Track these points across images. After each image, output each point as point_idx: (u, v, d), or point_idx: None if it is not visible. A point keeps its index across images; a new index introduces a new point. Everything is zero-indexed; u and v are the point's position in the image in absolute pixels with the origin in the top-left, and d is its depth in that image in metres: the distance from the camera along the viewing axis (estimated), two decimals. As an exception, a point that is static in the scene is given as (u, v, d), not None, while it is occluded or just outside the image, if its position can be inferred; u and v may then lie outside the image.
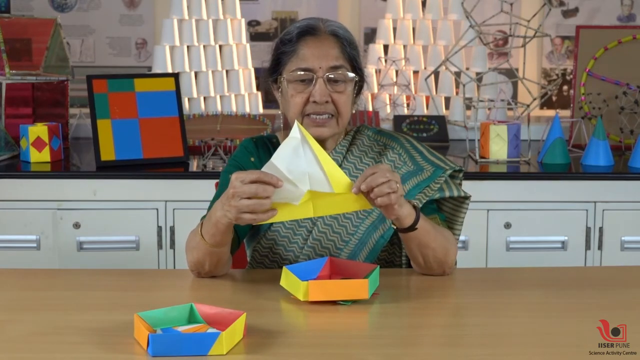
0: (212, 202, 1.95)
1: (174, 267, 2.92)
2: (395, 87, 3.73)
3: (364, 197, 1.70)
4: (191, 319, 1.57)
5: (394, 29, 3.82)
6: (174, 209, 2.93)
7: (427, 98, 3.77)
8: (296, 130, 1.68)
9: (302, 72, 1.90)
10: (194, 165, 3.08)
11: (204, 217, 1.92)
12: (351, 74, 1.92)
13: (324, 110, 1.91)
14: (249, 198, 1.64)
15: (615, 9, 3.92)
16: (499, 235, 2.96)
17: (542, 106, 3.89)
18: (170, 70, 3.50)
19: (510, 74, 3.69)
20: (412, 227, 1.79)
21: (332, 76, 1.90)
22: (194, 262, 1.85)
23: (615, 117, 3.38)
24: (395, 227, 1.81)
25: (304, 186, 1.67)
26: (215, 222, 1.74)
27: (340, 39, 1.93)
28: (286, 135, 2.06)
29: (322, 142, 1.98)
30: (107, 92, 3.09)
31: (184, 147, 3.10)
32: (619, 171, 3.05)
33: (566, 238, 2.97)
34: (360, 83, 1.99)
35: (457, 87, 3.71)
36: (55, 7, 3.87)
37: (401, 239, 1.87)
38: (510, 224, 2.96)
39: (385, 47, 3.83)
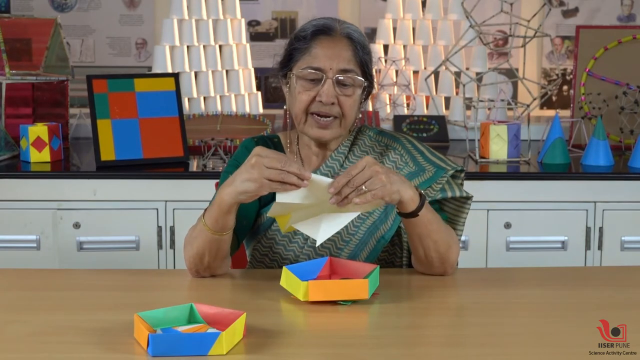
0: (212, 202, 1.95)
1: (174, 267, 2.92)
2: (395, 87, 3.73)
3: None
4: (191, 319, 1.57)
5: (394, 29, 3.82)
6: (174, 209, 2.93)
7: (427, 98, 3.77)
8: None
9: (312, 71, 1.90)
10: (194, 165, 3.08)
11: (201, 217, 1.92)
12: (360, 79, 1.92)
13: (329, 112, 1.91)
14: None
15: (615, 9, 3.92)
16: (499, 235, 2.96)
17: (542, 106, 3.89)
18: (170, 70, 3.50)
19: (510, 74, 3.69)
20: (415, 213, 1.78)
21: (341, 78, 1.90)
22: (192, 255, 1.84)
23: (615, 117, 3.38)
24: (398, 212, 1.81)
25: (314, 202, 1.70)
26: (220, 202, 1.74)
27: (354, 42, 1.93)
28: (287, 135, 2.07)
29: (324, 143, 1.98)
30: (107, 92, 3.09)
31: (184, 147, 3.11)
32: (619, 171, 3.05)
33: (566, 238, 2.97)
34: (369, 88, 1.99)
35: (457, 87, 3.71)
36: (55, 7, 3.87)
37: (404, 228, 1.86)
38: (510, 224, 2.96)
39: (385, 47, 3.83)
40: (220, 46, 3.67)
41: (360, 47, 1.93)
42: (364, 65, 1.94)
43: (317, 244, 1.71)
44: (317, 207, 1.71)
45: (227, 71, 3.69)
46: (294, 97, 1.94)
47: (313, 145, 2.00)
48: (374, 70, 2.00)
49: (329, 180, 1.70)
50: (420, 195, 1.79)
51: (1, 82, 3.26)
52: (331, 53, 1.90)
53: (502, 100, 3.45)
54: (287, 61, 1.96)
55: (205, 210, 1.83)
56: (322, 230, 1.71)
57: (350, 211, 1.73)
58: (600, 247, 2.98)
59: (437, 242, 1.83)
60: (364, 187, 1.68)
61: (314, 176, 1.68)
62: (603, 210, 2.96)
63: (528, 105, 3.33)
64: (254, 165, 1.67)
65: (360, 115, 2.03)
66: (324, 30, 1.93)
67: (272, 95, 3.90)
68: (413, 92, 3.76)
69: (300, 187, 1.66)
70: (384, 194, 1.70)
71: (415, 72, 3.79)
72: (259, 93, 3.76)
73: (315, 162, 2.02)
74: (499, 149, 3.14)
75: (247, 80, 3.74)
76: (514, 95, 3.93)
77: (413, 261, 1.94)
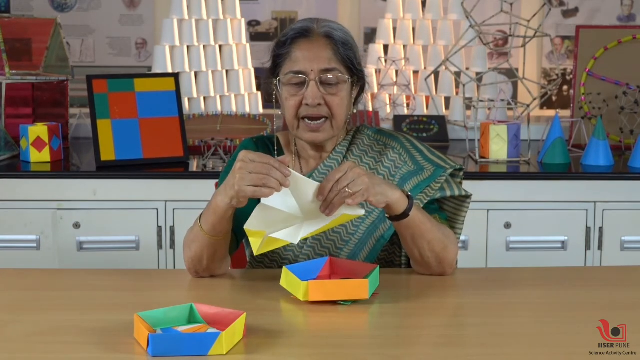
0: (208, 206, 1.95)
1: (174, 267, 2.92)
2: (395, 87, 3.73)
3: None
4: (191, 319, 1.57)
5: (394, 29, 3.82)
6: (174, 209, 2.93)
7: (427, 98, 3.77)
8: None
9: (295, 75, 1.90)
10: (194, 165, 3.08)
11: (198, 220, 1.92)
12: (343, 76, 1.92)
13: (318, 113, 1.91)
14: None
15: (615, 9, 3.92)
16: (499, 235, 2.96)
17: (542, 106, 3.89)
18: (170, 70, 3.50)
19: (510, 74, 3.69)
20: (405, 214, 1.78)
21: (324, 78, 1.90)
22: (191, 257, 1.85)
23: (615, 117, 3.38)
24: (388, 217, 1.81)
25: (297, 213, 1.70)
26: (215, 207, 1.75)
27: (333, 41, 1.92)
28: (286, 135, 2.07)
29: (319, 144, 1.98)
30: (107, 92, 3.09)
31: (184, 147, 3.11)
32: (619, 171, 3.05)
33: (566, 238, 2.97)
34: (360, 83, 1.99)
35: (457, 87, 3.71)
36: (55, 7, 3.87)
37: (398, 233, 1.86)
38: (510, 224, 2.96)
39: (385, 47, 3.83)
40: (220, 46, 3.67)
41: (340, 44, 1.92)
42: (348, 62, 1.93)
43: (296, 242, 1.69)
44: (297, 218, 1.70)
45: (227, 71, 3.69)
46: (283, 104, 1.95)
47: (309, 147, 2.01)
48: (362, 65, 1.99)
49: (312, 182, 1.70)
50: (408, 196, 1.79)
51: (1, 82, 3.26)
52: (310, 55, 1.90)
53: (502, 100, 3.45)
54: (274, 68, 1.97)
55: (202, 214, 1.83)
56: (302, 232, 1.70)
57: (333, 216, 1.72)
58: (600, 247, 2.98)
59: (431, 242, 1.83)
60: (347, 190, 1.68)
61: (296, 176, 1.68)
62: (603, 210, 2.96)
63: (528, 105, 3.33)
64: (238, 171, 1.68)
65: (355, 111, 2.03)
66: (302, 33, 1.92)
67: (273, 91, 3.90)
68: (413, 92, 3.76)
69: (284, 186, 1.66)
70: (369, 194, 1.71)
71: (415, 72, 3.80)
72: (259, 93, 3.76)
73: (313, 163, 2.02)
74: (499, 149, 3.14)
75: (247, 80, 3.74)
76: (514, 95, 3.93)
77: (412, 264, 1.93)
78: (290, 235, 1.69)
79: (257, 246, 1.71)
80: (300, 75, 1.90)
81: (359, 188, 1.69)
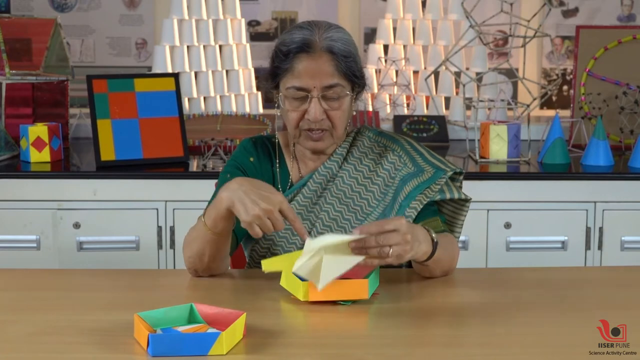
0: (211, 202, 1.95)
1: (174, 267, 2.92)
2: (395, 87, 3.73)
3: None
4: (191, 319, 1.57)
5: (394, 29, 3.82)
6: (174, 209, 2.93)
7: (427, 98, 3.77)
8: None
9: (297, 91, 1.90)
10: (194, 165, 3.08)
11: (201, 216, 1.92)
12: (346, 90, 1.92)
13: (320, 127, 1.92)
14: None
15: (615, 9, 3.92)
16: (499, 235, 2.96)
17: (542, 106, 3.90)
18: (170, 70, 3.50)
19: (510, 74, 3.69)
20: (425, 262, 1.80)
21: (326, 94, 1.90)
22: (192, 255, 1.85)
23: (615, 117, 3.38)
24: None
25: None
26: (219, 206, 1.75)
27: (335, 55, 1.90)
28: (285, 136, 2.07)
29: (319, 151, 1.99)
30: (107, 92, 3.09)
31: (184, 147, 3.11)
32: (619, 171, 3.05)
33: (566, 238, 2.97)
34: (359, 88, 1.98)
35: (457, 87, 3.71)
36: (55, 7, 3.87)
37: None
38: (510, 224, 2.96)
39: (385, 47, 3.83)
40: (220, 46, 3.67)
41: (342, 57, 1.90)
42: (350, 75, 1.92)
43: (320, 288, 1.65)
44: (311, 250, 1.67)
45: (227, 71, 3.69)
46: (284, 114, 1.95)
47: (308, 152, 2.01)
48: (363, 70, 1.98)
49: (341, 238, 1.66)
50: (432, 240, 1.77)
51: (1, 82, 3.26)
52: (313, 71, 1.89)
53: (502, 100, 3.45)
54: (274, 76, 1.96)
55: (205, 210, 1.83)
56: (323, 276, 1.64)
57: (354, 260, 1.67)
58: (600, 247, 2.98)
59: (443, 265, 1.86)
60: (389, 250, 1.65)
61: (321, 240, 1.65)
62: (603, 210, 2.96)
63: (528, 105, 3.33)
64: (263, 209, 1.68)
65: (355, 113, 2.03)
66: (303, 47, 1.90)
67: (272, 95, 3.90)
68: (413, 92, 3.76)
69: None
70: (400, 260, 1.68)
71: (415, 72, 3.80)
72: (259, 93, 3.77)
73: (312, 165, 2.02)
74: (499, 149, 3.14)
75: (247, 80, 3.74)
76: (514, 95, 3.94)
77: (414, 267, 1.92)
78: (313, 274, 1.65)
79: (268, 268, 1.73)
80: (302, 91, 1.90)
81: (396, 253, 1.65)
